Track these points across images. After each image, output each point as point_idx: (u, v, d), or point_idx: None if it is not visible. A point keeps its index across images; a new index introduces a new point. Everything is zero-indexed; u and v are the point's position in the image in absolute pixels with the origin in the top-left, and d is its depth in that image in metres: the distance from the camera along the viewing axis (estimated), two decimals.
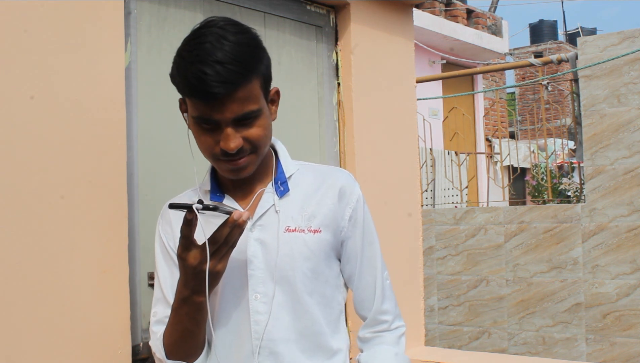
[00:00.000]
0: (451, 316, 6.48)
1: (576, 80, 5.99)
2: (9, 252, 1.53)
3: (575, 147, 6.33)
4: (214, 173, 1.51)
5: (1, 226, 1.52)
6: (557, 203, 7.45)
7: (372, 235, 1.54)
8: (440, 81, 10.94)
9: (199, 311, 1.36)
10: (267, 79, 1.39)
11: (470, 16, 12.79)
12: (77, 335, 1.64)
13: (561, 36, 20.95)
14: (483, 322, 6.30)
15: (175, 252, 1.37)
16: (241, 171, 1.39)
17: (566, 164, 9.55)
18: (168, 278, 1.47)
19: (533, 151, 8.51)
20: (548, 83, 8.72)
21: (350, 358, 1.56)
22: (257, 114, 1.35)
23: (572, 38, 20.27)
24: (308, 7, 2.54)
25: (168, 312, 1.42)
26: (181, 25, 2.06)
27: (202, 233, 1.29)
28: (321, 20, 2.60)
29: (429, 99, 7.87)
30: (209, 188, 1.50)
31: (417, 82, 3.63)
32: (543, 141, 7.71)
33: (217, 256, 1.31)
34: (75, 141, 1.67)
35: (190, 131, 1.43)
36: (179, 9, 2.08)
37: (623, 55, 5.57)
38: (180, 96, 1.42)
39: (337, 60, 2.66)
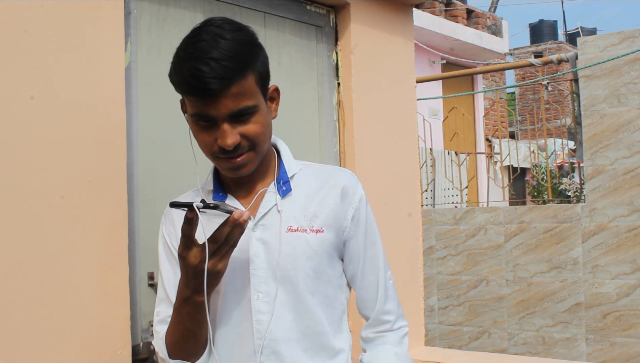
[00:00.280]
0: (451, 316, 6.48)
1: (576, 80, 5.99)
2: (9, 252, 1.53)
3: (575, 147, 6.33)
4: (216, 173, 1.52)
5: (1, 226, 1.52)
6: (557, 203, 7.45)
7: (375, 235, 1.54)
8: (440, 81, 10.94)
9: (200, 311, 1.36)
10: (263, 75, 1.40)
11: (470, 16, 12.79)
12: (77, 335, 1.64)
13: (561, 36, 20.96)
14: (483, 322, 6.30)
15: None
16: (241, 169, 1.40)
17: (566, 164, 9.55)
18: (171, 278, 1.47)
19: (533, 151, 8.51)
20: (548, 83, 8.72)
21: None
22: (253, 110, 1.36)
23: (572, 38, 20.27)
24: (308, 7, 2.54)
25: (171, 311, 1.42)
26: (181, 25, 2.06)
27: (203, 233, 1.29)
28: (321, 20, 2.60)
29: (429, 99, 7.87)
30: (211, 188, 1.50)
31: (417, 82, 3.63)
32: (543, 141, 7.71)
33: (218, 255, 1.31)
34: (75, 141, 1.67)
35: (192, 133, 1.43)
36: (179, 9, 2.08)
37: (623, 55, 5.57)
38: (180, 97, 1.42)
39: (337, 60, 2.66)
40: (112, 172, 1.75)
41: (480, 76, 13.06)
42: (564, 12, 41.01)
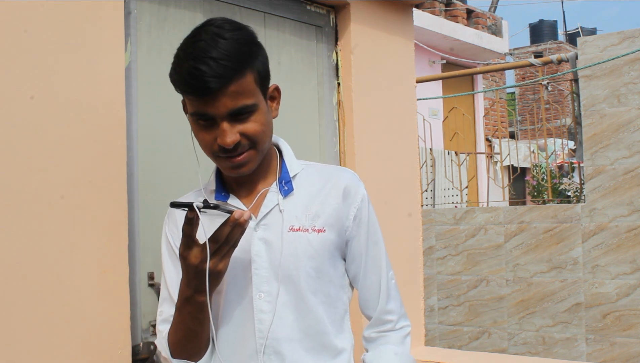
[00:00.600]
0: (451, 316, 6.48)
1: (576, 80, 5.99)
2: (9, 252, 1.53)
3: (575, 147, 6.33)
4: (219, 173, 1.52)
5: (1, 226, 1.52)
6: (557, 203, 7.45)
7: (377, 234, 1.54)
8: (440, 81, 10.94)
9: (201, 310, 1.36)
10: (263, 74, 1.40)
11: (470, 16, 12.79)
12: (77, 335, 1.64)
13: (561, 36, 20.95)
14: (483, 322, 6.30)
15: None
16: (241, 168, 1.40)
17: (566, 164, 9.55)
18: (174, 277, 1.48)
19: (533, 151, 8.51)
20: (548, 83, 8.72)
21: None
22: (253, 108, 1.36)
23: (572, 38, 20.26)
24: (308, 7, 2.54)
25: (173, 311, 1.43)
26: (181, 25, 2.06)
27: (203, 232, 1.29)
28: (321, 20, 2.60)
29: (429, 99, 7.87)
30: (214, 188, 1.51)
31: (417, 82, 3.63)
32: (543, 141, 7.71)
33: (219, 255, 1.31)
34: (75, 141, 1.67)
35: (193, 132, 1.44)
36: (179, 9, 2.08)
37: (623, 55, 5.57)
38: (181, 97, 1.43)
39: (337, 60, 2.66)
40: (112, 172, 1.75)
41: (480, 76, 13.07)
42: (564, 12, 41.05)
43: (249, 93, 1.35)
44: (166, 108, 1.96)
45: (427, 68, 11.34)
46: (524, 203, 8.96)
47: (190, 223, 1.28)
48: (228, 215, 1.29)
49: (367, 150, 2.68)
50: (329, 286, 1.48)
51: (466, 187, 7.50)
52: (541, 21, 21.36)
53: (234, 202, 1.48)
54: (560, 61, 6.29)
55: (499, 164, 8.71)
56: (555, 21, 21.38)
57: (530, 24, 21.49)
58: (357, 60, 2.66)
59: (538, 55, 16.42)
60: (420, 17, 10.31)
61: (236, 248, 1.35)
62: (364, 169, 2.61)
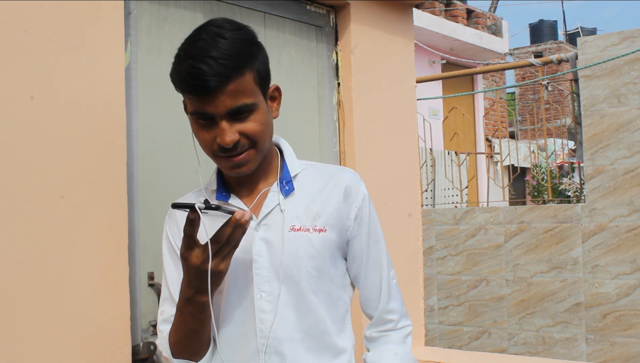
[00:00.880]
0: (451, 316, 6.48)
1: (576, 80, 5.99)
2: (9, 252, 1.53)
3: (575, 147, 6.33)
4: (220, 173, 1.52)
5: (1, 226, 1.52)
6: (557, 203, 7.45)
7: (378, 234, 1.54)
8: (440, 81, 10.94)
9: (203, 311, 1.36)
10: (262, 74, 1.40)
11: (470, 16, 12.79)
12: (77, 335, 1.64)
13: (561, 36, 20.95)
14: (483, 322, 6.30)
15: None
16: (241, 167, 1.40)
17: (566, 164, 9.55)
18: (175, 277, 1.48)
19: (533, 151, 8.51)
20: (548, 83, 8.72)
21: None
22: (252, 108, 1.36)
23: (572, 38, 20.26)
24: (308, 7, 2.54)
25: (174, 310, 1.43)
26: (181, 25, 2.06)
27: (205, 233, 1.29)
28: (321, 20, 2.60)
29: (429, 99, 7.87)
30: (215, 188, 1.51)
31: (417, 82, 3.63)
32: (543, 141, 7.71)
33: (220, 255, 1.32)
34: (75, 141, 1.67)
35: (193, 132, 1.44)
36: (179, 9, 2.08)
37: (623, 55, 5.57)
38: (182, 98, 1.43)
39: (337, 60, 2.66)
40: (112, 172, 1.75)
41: (480, 76, 13.06)
42: (564, 12, 41.03)
43: (249, 92, 1.35)
44: (166, 108, 1.96)
45: (427, 68, 11.34)
46: (524, 203, 8.96)
47: (192, 224, 1.29)
48: (229, 215, 1.29)
49: (367, 150, 2.68)
50: (330, 286, 1.48)
51: (466, 187, 7.50)
52: (541, 21, 21.35)
53: (235, 202, 1.48)
54: (560, 61, 6.29)
55: (499, 164, 8.71)
56: (555, 21, 21.38)
57: (530, 24, 21.49)
58: (357, 60, 2.66)
59: (538, 55, 16.42)
60: (420, 17, 10.31)
61: (237, 248, 1.35)
62: (364, 169, 2.61)
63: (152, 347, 1.86)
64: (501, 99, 14.15)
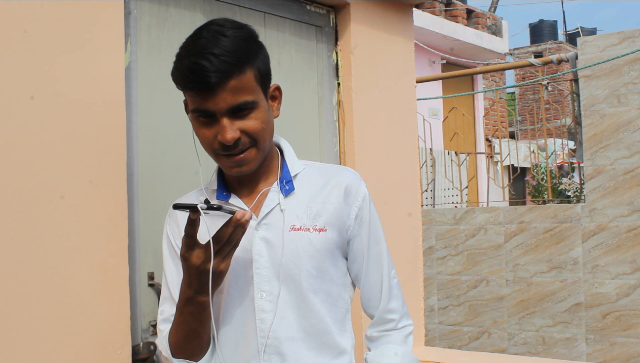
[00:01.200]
0: (451, 316, 6.48)
1: (576, 80, 5.99)
2: (9, 252, 1.53)
3: (575, 147, 6.33)
4: (220, 173, 1.52)
5: (1, 226, 1.52)
6: (557, 203, 7.45)
7: (379, 233, 1.54)
8: (440, 81, 10.94)
9: (203, 311, 1.37)
10: (263, 73, 1.40)
11: (470, 16, 12.79)
12: (77, 335, 1.64)
13: (561, 36, 20.94)
14: (483, 322, 6.30)
15: None
16: (242, 166, 1.40)
17: (566, 164, 9.55)
18: (175, 277, 1.48)
19: (533, 151, 8.51)
20: (548, 83, 8.72)
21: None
22: (253, 105, 1.36)
23: (572, 38, 20.26)
24: (308, 7, 2.54)
25: (174, 310, 1.43)
26: (181, 25, 2.06)
27: (207, 233, 1.29)
28: (321, 20, 2.60)
29: (429, 99, 7.86)
30: (215, 187, 1.51)
31: (417, 82, 3.63)
32: (543, 141, 7.71)
33: (220, 255, 1.32)
34: (75, 141, 1.67)
35: (194, 131, 1.44)
36: (179, 9, 2.08)
37: (623, 55, 5.57)
38: (184, 98, 1.43)
39: (337, 60, 2.66)
40: (112, 172, 1.75)
41: (480, 76, 13.06)
42: (564, 12, 41.01)
43: (249, 90, 1.35)
44: (166, 108, 1.96)
45: (427, 68, 11.34)
46: (524, 203, 8.96)
47: (193, 225, 1.29)
48: (230, 215, 1.30)
49: (367, 150, 2.68)
50: (331, 285, 1.48)
51: (466, 187, 7.50)
52: (541, 21, 21.35)
53: (235, 201, 1.48)
54: (560, 61, 6.29)
55: (499, 164, 8.71)
56: (555, 21, 21.37)
57: (530, 24, 21.48)
58: (357, 60, 2.66)
59: (538, 55, 16.42)
60: (420, 17, 10.31)
61: (237, 248, 1.35)
62: (364, 169, 2.61)
63: (152, 346, 1.86)
64: (501, 99, 14.15)
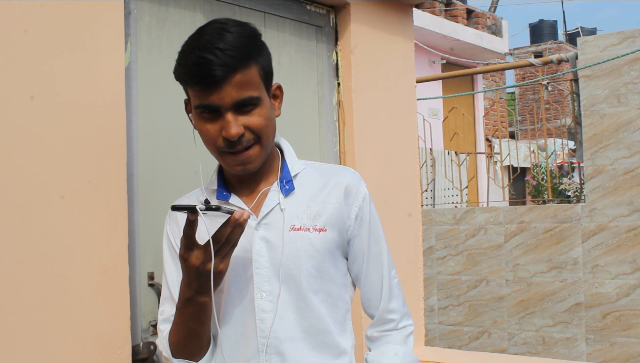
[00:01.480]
0: (451, 316, 6.48)
1: (576, 80, 5.99)
2: (9, 252, 1.53)
3: (575, 147, 6.33)
4: (220, 172, 1.52)
5: (1, 226, 1.52)
6: (557, 203, 7.45)
7: (379, 233, 1.54)
8: (440, 81, 10.94)
9: (202, 311, 1.36)
10: (267, 71, 1.41)
11: (470, 16, 12.78)
12: (77, 335, 1.64)
13: (561, 36, 20.94)
14: (483, 322, 6.30)
15: None
16: (247, 164, 1.40)
17: (566, 164, 9.55)
18: (175, 277, 1.48)
19: (533, 151, 8.51)
20: (548, 83, 8.71)
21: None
22: (257, 101, 1.37)
23: (572, 38, 20.25)
24: (308, 7, 2.54)
25: (174, 310, 1.43)
26: (181, 25, 2.06)
27: (207, 233, 1.29)
28: (321, 20, 2.60)
29: (429, 99, 7.87)
30: (215, 187, 1.51)
31: (417, 82, 3.63)
32: (543, 141, 7.71)
33: (219, 255, 1.32)
34: (75, 141, 1.67)
35: (196, 133, 1.43)
36: (179, 9, 2.08)
37: (623, 55, 5.57)
38: (184, 97, 1.43)
39: (337, 60, 2.66)
40: (112, 172, 1.75)
41: (480, 76, 13.06)
42: (564, 12, 41.04)
43: (254, 85, 1.36)
44: (166, 108, 1.96)
45: (427, 68, 11.34)
46: (524, 203, 8.96)
47: (191, 225, 1.29)
48: (229, 215, 1.29)
49: (367, 150, 2.68)
50: (331, 285, 1.48)
51: (466, 187, 7.50)
52: (541, 21, 21.35)
53: (235, 201, 1.48)
54: (560, 61, 6.29)
55: (499, 164, 8.71)
56: (555, 21, 21.37)
57: (530, 24, 21.48)
58: (357, 60, 2.66)
59: (538, 55, 16.42)
60: (420, 17, 10.31)
61: (237, 248, 1.35)
62: (364, 169, 2.61)
63: (152, 346, 1.86)
64: (501, 99, 14.15)
